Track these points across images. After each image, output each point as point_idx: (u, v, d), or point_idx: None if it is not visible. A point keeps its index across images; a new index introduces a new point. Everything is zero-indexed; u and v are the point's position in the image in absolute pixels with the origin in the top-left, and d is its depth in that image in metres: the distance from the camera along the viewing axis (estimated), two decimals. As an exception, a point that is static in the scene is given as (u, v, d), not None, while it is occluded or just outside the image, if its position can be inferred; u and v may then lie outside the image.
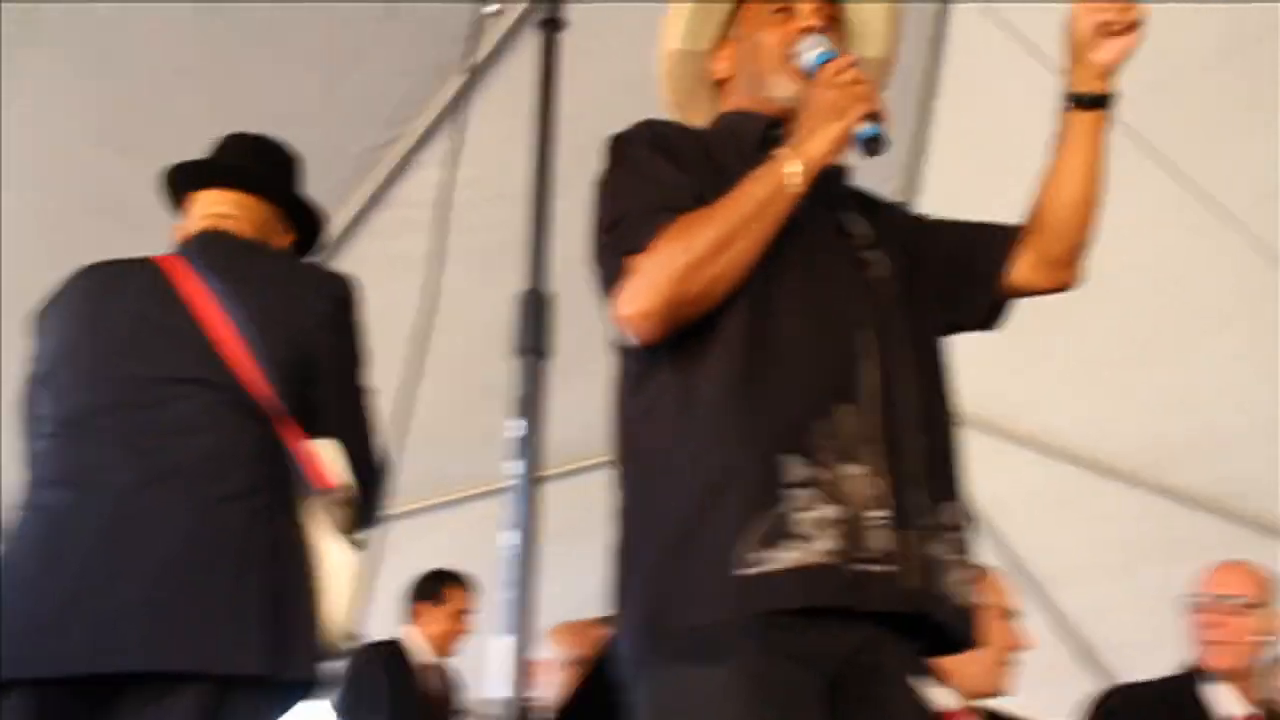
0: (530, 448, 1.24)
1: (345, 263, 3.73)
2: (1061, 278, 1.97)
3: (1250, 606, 3.27)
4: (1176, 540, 4.68)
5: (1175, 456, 4.95)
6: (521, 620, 1.18)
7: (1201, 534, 4.78)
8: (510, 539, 1.23)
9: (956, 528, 1.80)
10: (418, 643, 4.79)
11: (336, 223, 3.95)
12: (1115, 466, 5.08)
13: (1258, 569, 3.39)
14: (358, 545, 2.09)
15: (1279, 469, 4.81)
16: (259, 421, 2.13)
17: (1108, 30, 1.82)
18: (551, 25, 1.35)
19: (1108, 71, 1.86)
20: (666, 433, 1.75)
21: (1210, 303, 4.43)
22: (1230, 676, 3.25)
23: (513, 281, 1.46)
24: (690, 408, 1.74)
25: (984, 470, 5.06)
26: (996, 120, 4.10)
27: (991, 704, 3.16)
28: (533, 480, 1.23)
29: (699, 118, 2.01)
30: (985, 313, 1.99)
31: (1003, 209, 1.99)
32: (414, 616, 4.82)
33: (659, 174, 1.81)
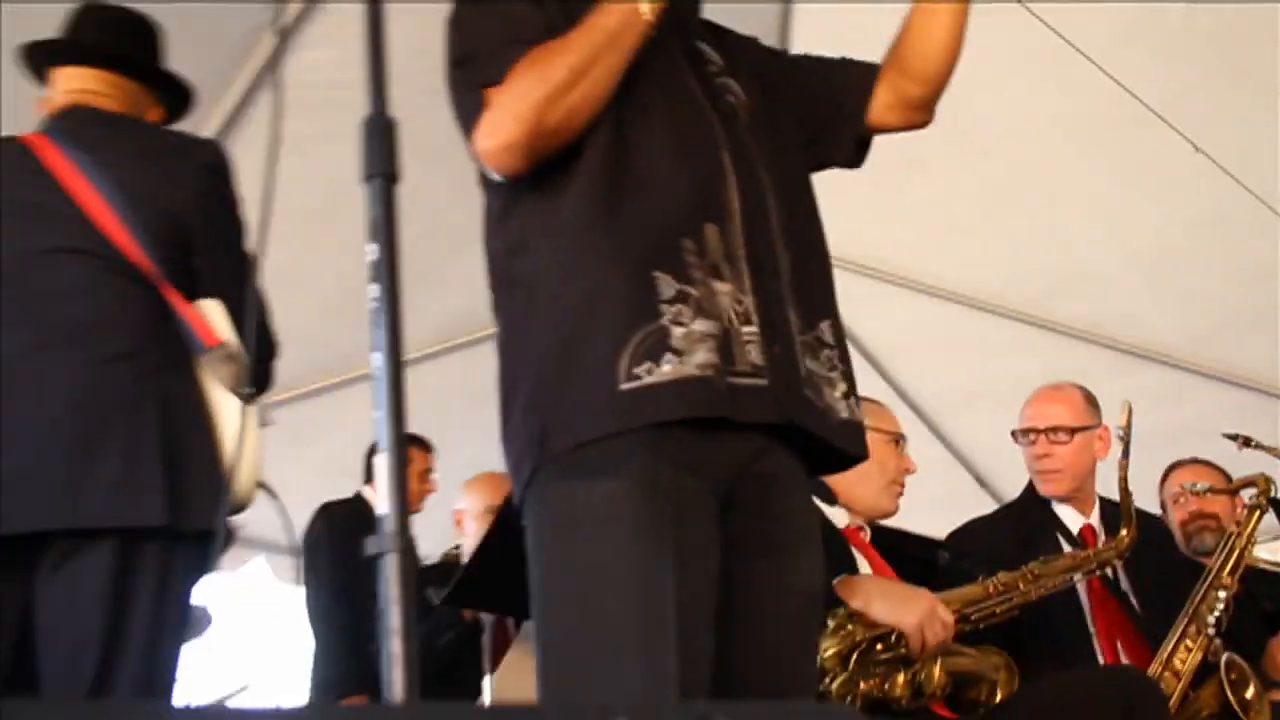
0: (385, 270, 1.32)
1: (234, 145, 3.69)
2: (918, 118, 2.02)
3: (1074, 431, 3.27)
4: (1056, 371, 4.89)
5: (1049, 291, 5.15)
6: (395, 436, 1.27)
7: (1079, 363, 4.98)
8: (375, 361, 1.31)
9: (832, 345, 1.87)
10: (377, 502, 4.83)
11: (223, 106, 3.92)
12: (992, 303, 5.25)
13: (1075, 391, 3.37)
14: (248, 400, 2.15)
15: (1144, 299, 5.06)
16: (143, 286, 2.17)
17: None
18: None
19: None
20: (536, 261, 1.79)
21: (1072, 145, 4.58)
22: (1069, 498, 3.29)
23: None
24: (558, 234, 1.77)
25: (865, 311, 5.26)
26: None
27: (884, 524, 3.28)
28: (391, 300, 1.31)
29: None
30: (851, 149, 2.03)
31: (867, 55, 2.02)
32: (374, 476, 4.87)
33: (509, 8, 1.82)
